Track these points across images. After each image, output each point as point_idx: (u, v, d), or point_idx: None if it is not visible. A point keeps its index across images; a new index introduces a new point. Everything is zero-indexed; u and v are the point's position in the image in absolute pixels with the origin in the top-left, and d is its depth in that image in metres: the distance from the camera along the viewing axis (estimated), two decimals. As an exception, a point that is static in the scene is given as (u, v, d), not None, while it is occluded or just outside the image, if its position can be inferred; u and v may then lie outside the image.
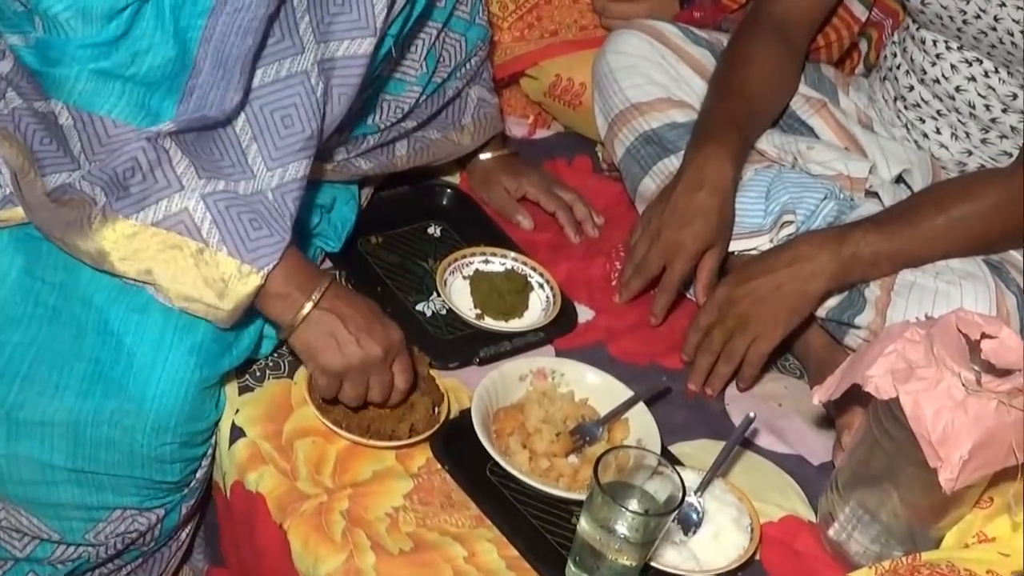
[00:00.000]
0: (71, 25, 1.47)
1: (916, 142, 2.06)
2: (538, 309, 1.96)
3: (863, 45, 2.28)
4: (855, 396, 1.57)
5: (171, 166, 1.51)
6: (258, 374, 1.76)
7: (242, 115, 1.56)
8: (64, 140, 1.52)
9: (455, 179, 2.21)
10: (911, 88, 2.03)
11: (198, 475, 1.73)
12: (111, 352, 1.58)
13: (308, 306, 1.57)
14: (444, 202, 2.16)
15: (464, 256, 2.00)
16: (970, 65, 1.95)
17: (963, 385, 1.45)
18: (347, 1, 1.62)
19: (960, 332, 1.51)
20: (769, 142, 2.02)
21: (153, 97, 1.51)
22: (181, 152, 1.52)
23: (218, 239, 1.51)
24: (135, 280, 1.55)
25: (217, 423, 1.71)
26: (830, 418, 1.83)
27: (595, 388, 1.78)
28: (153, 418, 1.58)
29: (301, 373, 1.73)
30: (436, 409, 1.72)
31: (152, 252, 1.51)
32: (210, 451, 1.73)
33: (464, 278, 1.98)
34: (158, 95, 1.51)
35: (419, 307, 1.92)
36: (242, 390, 1.73)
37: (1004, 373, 1.48)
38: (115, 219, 1.50)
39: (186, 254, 1.52)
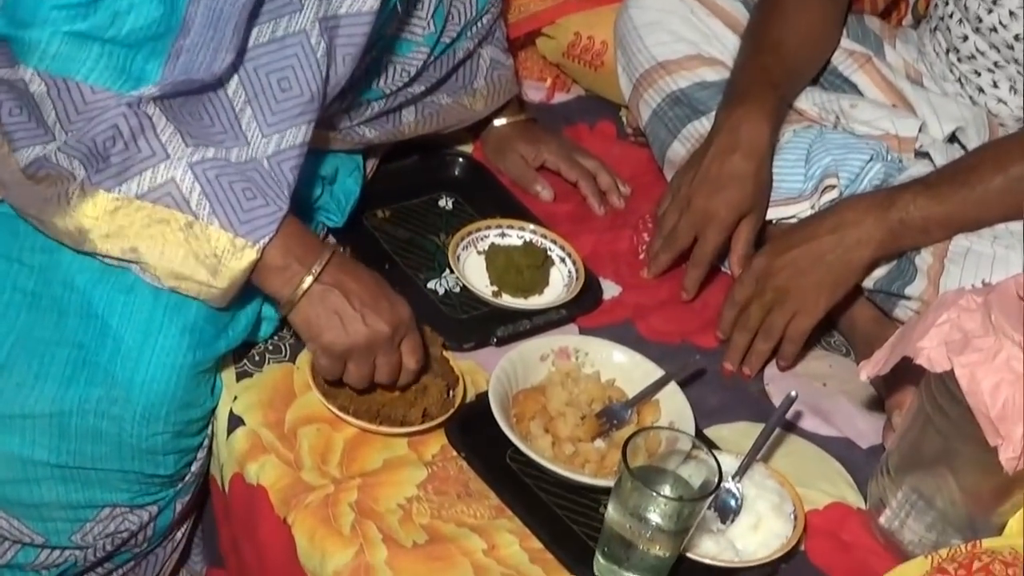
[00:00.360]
0: None
1: (971, 97, 2.04)
2: (560, 285, 1.95)
3: (911, -7, 2.27)
4: (906, 372, 1.56)
5: (155, 133, 1.50)
6: (257, 358, 1.75)
7: (235, 77, 1.55)
8: (37, 110, 1.50)
9: (468, 148, 2.21)
10: (965, 38, 2.01)
11: (193, 468, 1.73)
12: (96, 336, 1.57)
13: (308, 280, 1.56)
14: (456, 172, 2.16)
15: (479, 229, 2.00)
16: (1030, 11, 1.94)
17: (1024, 355, 1.44)
18: None
19: (1021, 298, 1.49)
20: (809, 100, 2.01)
21: (135, 59, 1.49)
22: (166, 118, 1.50)
23: (209, 211, 1.50)
24: (119, 260, 1.54)
25: (213, 411, 1.71)
26: (879, 397, 1.82)
27: (623, 368, 1.78)
28: (143, 406, 1.58)
29: (304, 357, 1.73)
30: (451, 392, 1.72)
31: (137, 228, 1.50)
32: (206, 442, 1.73)
33: (479, 253, 1.98)
34: (141, 57, 1.50)
35: (431, 285, 1.92)
36: (240, 376, 1.73)
37: (1069, 342, 1.46)
38: (95, 193, 1.49)
39: (174, 228, 1.50)
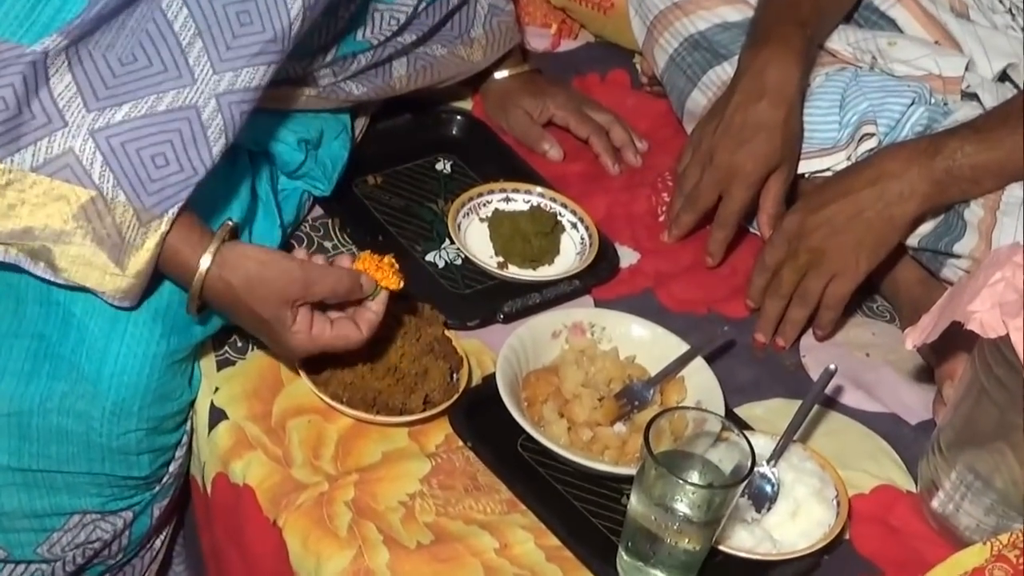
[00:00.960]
0: None
1: (1023, 30, 2.02)
2: (571, 253, 1.95)
3: (954, -85, 2.25)
4: (957, 338, 1.56)
5: (52, 98, 1.45)
6: (239, 345, 1.75)
7: (184, 9, 1.50)
8: None
9: (466, 104, 2.21)
10: (1016, -38, 2.01)
11: (171, 468, 1.73)
12: (58, 325, 1.56)
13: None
14: (454, 131, 2.16)
15: (480, 194, 2.00)
16: (1090, -69, 1.93)
17: (1088, 317, 1.44)
18: None
19: (1083, 253, 1.49)
20: (842, 40, 2.01)
21: (48, 3, 1.45)
22: (70, 76, 1.46)
23: (113, 183, 1.46)
24: (5, 248, 1.48)
25: (192, 404, 1.70)
26: (928, 367, 1.82)
27: (643, 343, 1.78)
28: (112, 401, 1.57)
29: (290, 341, 1.73)
30: (454, 376, 1.71)
31: (29, 207, 1.46)
32: (185, 438, 1.72)
33: (481, 220, 1.97)
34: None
35: (429, 257, 1.92)
36: (221, 364, 1.72)
37: None
38: None
39: (74, 206, 1.46)
